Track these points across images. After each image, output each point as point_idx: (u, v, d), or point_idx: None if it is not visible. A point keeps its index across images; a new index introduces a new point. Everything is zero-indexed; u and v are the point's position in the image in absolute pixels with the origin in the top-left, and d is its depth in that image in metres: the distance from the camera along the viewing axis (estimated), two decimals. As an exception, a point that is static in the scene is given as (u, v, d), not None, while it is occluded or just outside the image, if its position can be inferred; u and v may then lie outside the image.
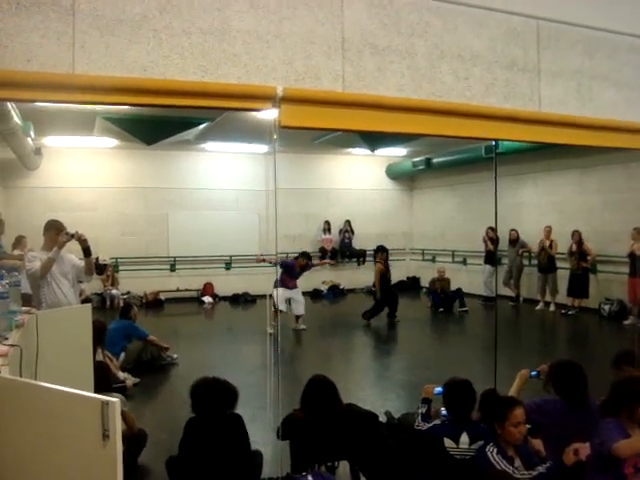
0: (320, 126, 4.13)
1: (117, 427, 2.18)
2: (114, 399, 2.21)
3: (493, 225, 11.76)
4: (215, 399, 3.99)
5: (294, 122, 3.85)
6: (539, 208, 13.83)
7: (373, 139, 12.41)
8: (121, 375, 7.21)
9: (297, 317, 11.13)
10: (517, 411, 3.62)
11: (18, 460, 2.51)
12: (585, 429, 3.64)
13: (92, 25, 3.37)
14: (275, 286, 10.36)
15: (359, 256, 17.11)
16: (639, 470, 3.36)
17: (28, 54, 3.26)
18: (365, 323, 11.84)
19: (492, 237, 13.36)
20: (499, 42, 4.55)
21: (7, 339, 3.28)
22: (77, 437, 2.30)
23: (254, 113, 4.00)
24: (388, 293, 12.37)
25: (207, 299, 15.11)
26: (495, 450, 3.55)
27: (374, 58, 4.08)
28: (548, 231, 12.85)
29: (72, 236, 5.69)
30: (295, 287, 11.20)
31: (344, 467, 4.05)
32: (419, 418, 4.16)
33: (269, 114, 3.87)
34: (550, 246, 12.75)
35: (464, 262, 15.78)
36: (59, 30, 3.31)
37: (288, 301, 11.00)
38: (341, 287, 16.75)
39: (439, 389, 4.27)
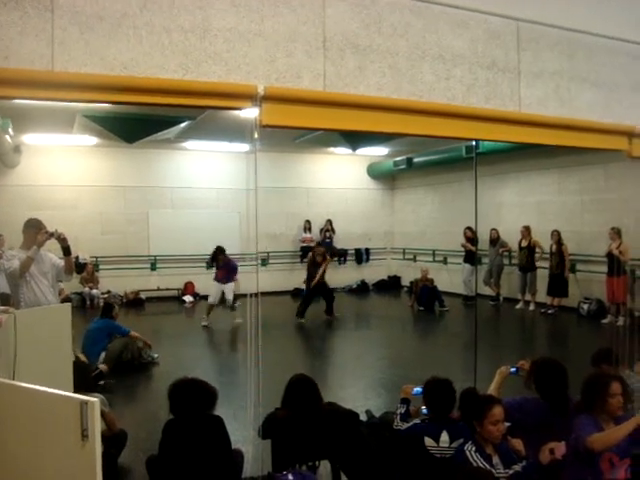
0: (301, 125, 4.13)
1: (96, 427, 2.17)
2: (93, 399, 2.20)
3: (473, 225, 11.82)
4: (193, 400, 3.90)
5: (275, 121, 3.84)
6: (519, 208, 13.93)
7: (354, 138, 12.43)
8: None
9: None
10: (495, 409, 3.64)
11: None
12: (565, 429, 3.67)
13: (71, 21, 3.33)
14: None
15: (340, 255, 17.14)
16: (615, 465, 3.41)
17: (6, 51, 3.22)
18: (334, 318, 12.21)
19: (470, 237, 13.45)
20: (480, 43, 4.58)
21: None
22: (56, 437, 2.28)
23: (235, 112, 3.98)
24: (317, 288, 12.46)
25: (188, 298, 15.03)
26: (473, 448, 3.58)
27: (355, 57, 4.08)
28: (523, 231, 12.95)
29: (51, 235, 5.64)
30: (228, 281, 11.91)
31: (325, 466, 4.06)
32: (398, 418, 4.17)
33: (250, 113, 3.86)
34: (529, 245, 12.84)
35: (444, 261, 15.86)
36: (38, 26, 3.27)
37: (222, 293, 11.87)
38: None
39: (418, 389, 4.28)
